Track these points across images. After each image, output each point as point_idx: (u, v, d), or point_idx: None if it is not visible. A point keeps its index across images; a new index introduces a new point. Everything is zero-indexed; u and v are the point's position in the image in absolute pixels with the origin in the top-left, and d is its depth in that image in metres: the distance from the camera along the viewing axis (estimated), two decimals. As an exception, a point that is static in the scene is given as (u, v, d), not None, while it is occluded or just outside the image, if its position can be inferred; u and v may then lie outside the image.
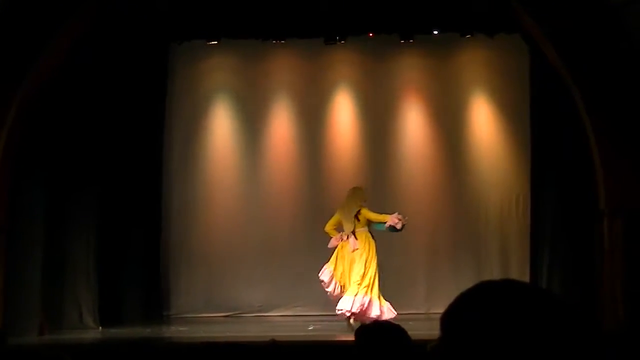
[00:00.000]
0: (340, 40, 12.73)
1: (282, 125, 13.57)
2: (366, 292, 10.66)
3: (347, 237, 10.93)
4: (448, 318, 1.44)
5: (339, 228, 11.12)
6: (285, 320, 12.60)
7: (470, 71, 13.42)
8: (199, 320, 12.81)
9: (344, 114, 13.59)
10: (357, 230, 10.89)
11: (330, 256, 11.04)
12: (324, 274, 10.95)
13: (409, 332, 3.69)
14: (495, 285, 1.44)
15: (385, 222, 10.87)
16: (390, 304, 10.90)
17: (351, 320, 10.64)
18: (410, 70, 13.50)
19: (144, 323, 12.14)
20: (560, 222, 12.12)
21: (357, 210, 10.90)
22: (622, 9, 10.47)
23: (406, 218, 10.89)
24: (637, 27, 10.44)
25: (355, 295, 10.63)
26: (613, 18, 10.62)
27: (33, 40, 10.49)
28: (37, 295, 10.81)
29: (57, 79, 11.18)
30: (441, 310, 1.48)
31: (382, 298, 10.82)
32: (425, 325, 10.52)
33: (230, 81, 13.66)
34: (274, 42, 12.86)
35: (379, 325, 3.88)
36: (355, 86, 13.57)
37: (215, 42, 12.85)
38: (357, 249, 10.81)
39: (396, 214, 10.88)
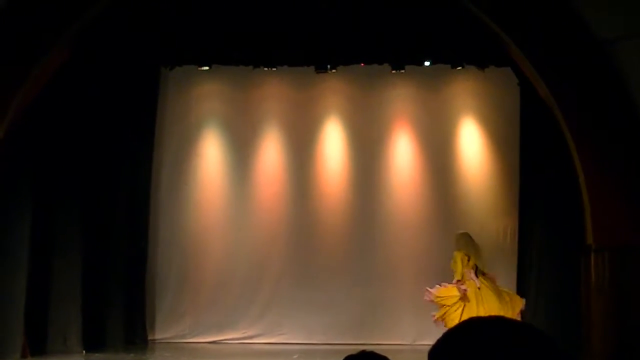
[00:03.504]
0: (331, 69, 12.76)
1: (271, 153, 13.56)
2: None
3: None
4: (436, 354, 1.42)
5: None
6: (270, 348, 12.53)
7: (460, 103, 13.46)
8: (183, 346, 12.73)
9: (333, 143, 13.59)
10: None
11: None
12: None
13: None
14: (484, 322, 1.43)
15: None
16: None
17: None
18: (400, 100, 13.52)
19: (128, 348, 12.08)
20: (548, 256, 12.11)
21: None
22: (612, 44, 10.53)
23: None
24: (627, 62, 10.51)
25: None
26: (603, 53, 10.68)
27: (20, 63, 10.46)
28: (20, 318, 10.71)
29: (47, 101, 11.17)
30: (428, 341, 1.47)
31: None
32: (412, 357, 10.47)
33: (221, 108, 13.65)
34: (265, 69, 12.87)
35: (366, 355, 3.84)
36: (346, 115, 13.58)
37: (207, 68, 12.85)
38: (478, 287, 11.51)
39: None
